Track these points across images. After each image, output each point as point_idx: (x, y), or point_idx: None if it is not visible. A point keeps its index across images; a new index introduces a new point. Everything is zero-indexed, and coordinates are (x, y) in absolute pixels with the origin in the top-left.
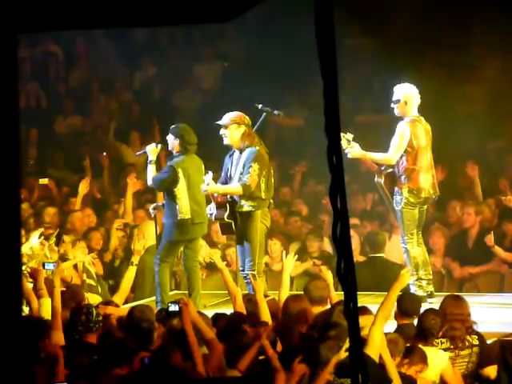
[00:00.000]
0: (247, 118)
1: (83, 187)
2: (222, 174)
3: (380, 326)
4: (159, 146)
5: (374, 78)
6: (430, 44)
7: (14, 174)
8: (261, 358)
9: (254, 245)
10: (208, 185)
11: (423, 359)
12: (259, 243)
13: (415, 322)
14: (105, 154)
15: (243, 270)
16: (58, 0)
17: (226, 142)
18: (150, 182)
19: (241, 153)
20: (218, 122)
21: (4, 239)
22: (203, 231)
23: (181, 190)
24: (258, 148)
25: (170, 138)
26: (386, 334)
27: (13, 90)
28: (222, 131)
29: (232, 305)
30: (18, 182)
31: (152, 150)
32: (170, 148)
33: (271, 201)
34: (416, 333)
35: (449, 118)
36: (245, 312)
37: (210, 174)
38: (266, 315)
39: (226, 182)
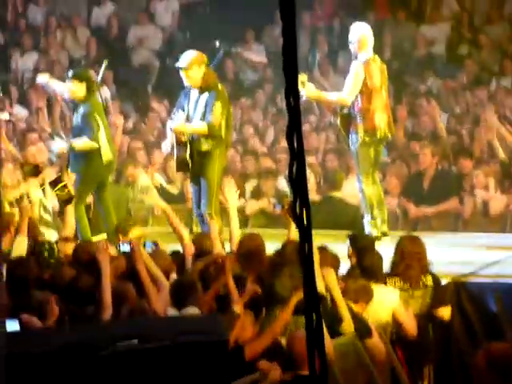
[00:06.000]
0: (205, 56)
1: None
2: (177, 113)
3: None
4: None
5: (333, 18)
6: None
7: None
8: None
9: (212, 184)
10: (176, 123)
11: (368, 295)
12: (217, 183)
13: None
14: None
15: (198, 209)
16: None
17: (186, 82)
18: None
19: (201, 92)
20: (179, 65)
21: None
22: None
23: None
24: (220, 87)
25: (74, 83)
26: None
27: None
28: (182, 73)
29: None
30: None
31: None
32: (72, 96)
33: (229, 141)
34: (360, 272)
35: (408, 58)
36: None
37: (181, 113)
38: (219, 253)
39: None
